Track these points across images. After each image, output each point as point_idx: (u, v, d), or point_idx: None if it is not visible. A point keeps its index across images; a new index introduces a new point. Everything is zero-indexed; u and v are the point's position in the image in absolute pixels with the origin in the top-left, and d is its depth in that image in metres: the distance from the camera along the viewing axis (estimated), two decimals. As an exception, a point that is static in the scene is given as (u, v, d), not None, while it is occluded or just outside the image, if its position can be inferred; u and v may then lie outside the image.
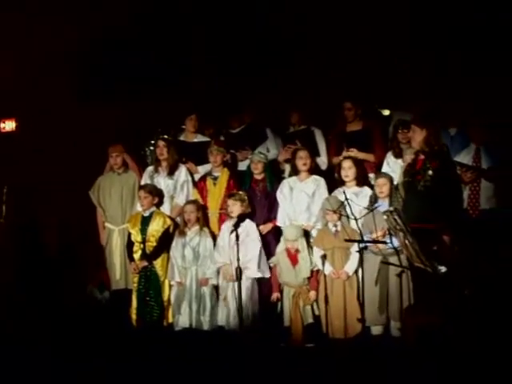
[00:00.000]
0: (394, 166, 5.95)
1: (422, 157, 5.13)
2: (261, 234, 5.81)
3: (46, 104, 6.65)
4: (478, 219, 5.65)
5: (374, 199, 5.58)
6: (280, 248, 5.68)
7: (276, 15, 6.76)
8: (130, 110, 6.85)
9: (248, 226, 5.70)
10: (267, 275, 5.71)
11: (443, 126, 5.87)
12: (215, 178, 6.14)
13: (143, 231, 5.96)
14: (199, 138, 6.55)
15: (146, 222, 5.97)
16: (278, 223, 5.89)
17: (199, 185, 6.20)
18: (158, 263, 5.92)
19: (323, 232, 5.63)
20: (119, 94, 6.95)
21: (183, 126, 6.71)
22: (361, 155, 6.00)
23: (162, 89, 6.91)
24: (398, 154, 5.93)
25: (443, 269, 4.39)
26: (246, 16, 6.82)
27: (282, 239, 5.70)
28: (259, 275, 5.67)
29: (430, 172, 4.97)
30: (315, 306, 5.52)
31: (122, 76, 6.98)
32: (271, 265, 5.71)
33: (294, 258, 5.55)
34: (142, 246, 5.94)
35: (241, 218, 5.47)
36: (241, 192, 5.86)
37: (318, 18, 6.71)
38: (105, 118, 6.81)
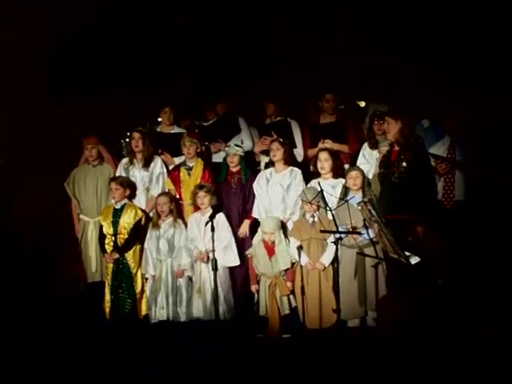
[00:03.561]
0: (369, 158, 5.97)
1: (396, 148, 5.14)
2: (233, 228, 5.84)
3: (19, 99, 6.56)
4: (452, 210, 5.70)
5: (345, 191, 5.58)
6: (256, 239, 5.68)
7: (252, 8, 6.74)
8: (104, 101, 6.78)
9: (218, 216, 5.66)
10: (236, 263, 5.74)
11: (417, 117, 5.90)
12: (190, 169, 6.11)
13: (115, 224, 5.90)
14: (176, 130, 6.52)
15: (117, 214, 5.93)
16: (254, 215, 5.88)
17: (173, 174, 6.15)
18: (129, 255, 5.88)
19: (300, 222, 5.63)
20: (94, 85, 6.88)
21: (160, 119, 6.69)
22: (335, 146, 6.00)
23: (136, 81, 6.86)
24: (374, 145, 5.94)
25: (417, 259, 4.42)
26: (222, 9, 6.79)
27: (258, 230, 5.69)
28: (227, 264, 5.70)
29: (404, 164, 4.98)
30: (292, 297, 5.54)
31: (96, 68, 6.92)
32: (248, 256, 5.71)
33: (270, 249, 5.54)
34: (113, 238, 5.90)
35: (215, 210, 5.45)
36: (207, 184, 5.88)
37: (294, 11, 6.71)
38: (80, 110, 6.74)
